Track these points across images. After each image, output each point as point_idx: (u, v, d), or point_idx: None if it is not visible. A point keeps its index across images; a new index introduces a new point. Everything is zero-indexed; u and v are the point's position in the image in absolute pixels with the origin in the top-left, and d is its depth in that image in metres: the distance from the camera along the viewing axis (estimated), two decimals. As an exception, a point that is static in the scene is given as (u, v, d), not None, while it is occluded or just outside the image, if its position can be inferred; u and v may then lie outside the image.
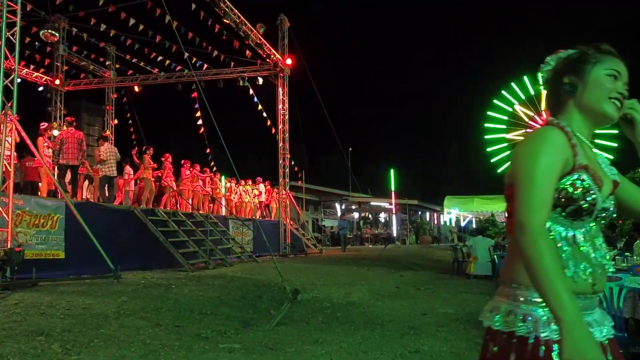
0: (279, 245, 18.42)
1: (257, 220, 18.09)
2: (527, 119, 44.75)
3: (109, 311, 6.04)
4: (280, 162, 18.86)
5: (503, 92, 44.83)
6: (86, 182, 13.97)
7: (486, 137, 45.19)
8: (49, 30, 14.87)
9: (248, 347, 5.16)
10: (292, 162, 20.15)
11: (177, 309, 6.55)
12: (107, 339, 5.03)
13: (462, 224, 38.60)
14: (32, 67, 19.10)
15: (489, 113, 46.52)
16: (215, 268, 11.55)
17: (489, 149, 45.29)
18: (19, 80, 9.35)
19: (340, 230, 24.63)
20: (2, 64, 8.56)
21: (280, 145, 18.88)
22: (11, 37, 9.21)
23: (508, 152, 45.01)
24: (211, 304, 7.19)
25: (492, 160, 45.55)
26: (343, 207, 33.85)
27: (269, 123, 19.33)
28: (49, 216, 8.75)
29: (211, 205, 17.55)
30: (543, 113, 44.39)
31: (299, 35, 19.78)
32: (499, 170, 45.60)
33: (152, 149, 13.97)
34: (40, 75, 19.55)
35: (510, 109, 44.81)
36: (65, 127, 11.22)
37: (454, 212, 38.74)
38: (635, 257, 5.63)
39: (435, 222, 43.21)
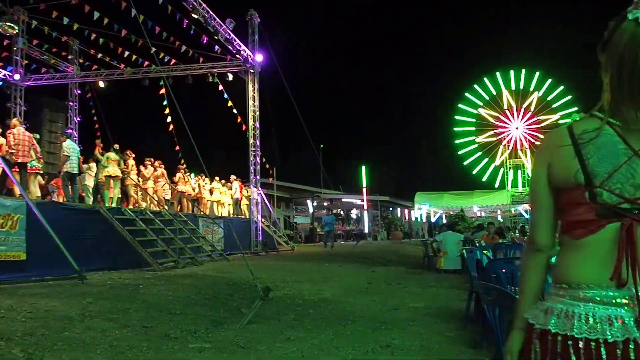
0: (250, 243, 18.28)
1: (227, 218, 17.92)
2: (492, 120, 46.00)
3: (73, 313, 5.90)
4: (251, 159, 18.69)
5: (467, 94, 46.13)
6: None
7: (456, 141, 46.31)
8: (7, 23, 14.35)
9: (219, 346, 5.09)
10: (263, 159, 20.04)
11: (146, 310, 6.43)
12: (72, 341, 4.90)
13: (433, 219, 39.11)
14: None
15: (456, 117, 47.70)
16: (184, 267, 11.39)
17: (460, 152, 46.35)
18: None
19: (325, 226, 23.05)
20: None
21: (250, 142, 18.71)
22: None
23: (479, 153, 46.26)
24: (181, 303, 7.09)
25: (465, 163, 46.59)
26: (315, 203, 33.86)
27: (239, 120, 19.16)
28: (8, 216, 8.44)
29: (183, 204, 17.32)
30: (507, 112, 45.73)
31: (269, 31, 19.70)
32: (473, 172, 46.72)
33: (117, 146, 13.67)
34: (-3, 69, 18.87)
35: (476, 111, 46.06)
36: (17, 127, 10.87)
37: (425, 208, 39.21)
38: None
39: (407, 218, 43.66)
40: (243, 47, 18.24)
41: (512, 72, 45.27)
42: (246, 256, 11.71)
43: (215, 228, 16.31)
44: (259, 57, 18.77)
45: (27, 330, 5.09)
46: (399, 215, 42.69)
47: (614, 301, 1.20)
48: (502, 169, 45.30)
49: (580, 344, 1.18)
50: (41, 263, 8.76)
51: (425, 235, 34.60)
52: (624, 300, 1.20)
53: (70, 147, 11.91)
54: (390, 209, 41.44)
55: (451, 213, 36.01)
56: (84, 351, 4.67)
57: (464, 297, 7.18)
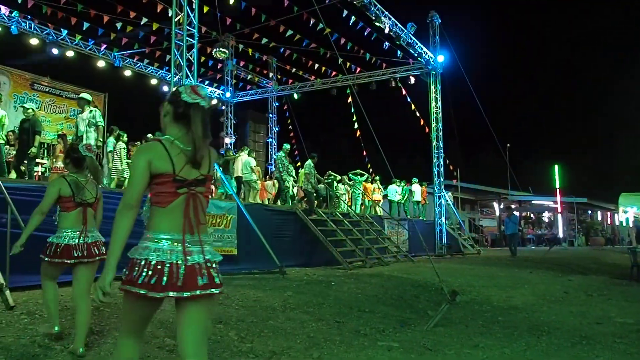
0: (435, 246, 18.14)
1: (412, 220, 18.05)
2: None
3: (276, 304, 6.46)
4: (435, 161, 18.54)
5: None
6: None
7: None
8: (220, 49, 16.52)
9: (406, 346, 5.20)
10: (447, 161, 19.69)
11: (337, 305, 6.81)
12: (275, 329, 5.38)
13: (642, 224, 34.06)
14: (206, 82, 21.47)
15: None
16: (372, 267, 11.78)
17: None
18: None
19: (506, 229, 19.87)
20: (184, 83, 9.76)
21: (434, 143, 18.56)
22: (190, 57, 10.48)
23: None
24: (369, 301, 7.36)
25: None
26: (501, 206, 32.10)
27: (422, 122, 19.16)
28: (223, 216, 9.69)
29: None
30: None
31: (450, 30, 19.33)
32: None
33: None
34: (213, 89, 21.88)
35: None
36: None
37: (632, 211, 34.38)
38: None
39: (609, 222, 38.78)
40: (424, 49, 18.20)
41: None
42: (431, 258, 11.68)
43: (400, 230, 16.57)
44: (441, 58, 18.54)
45: (240, 316, 5.68)
46: (599, 218, 38.13)
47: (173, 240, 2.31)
48: None
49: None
50: (249, 258, 9.85)
51: (632, 242, 30.35)
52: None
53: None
54: (589, 212, 37.23)
55: (668, 217, 30.98)
56: (285, 339, 5.09)
57: (686, 316, 6.23)
